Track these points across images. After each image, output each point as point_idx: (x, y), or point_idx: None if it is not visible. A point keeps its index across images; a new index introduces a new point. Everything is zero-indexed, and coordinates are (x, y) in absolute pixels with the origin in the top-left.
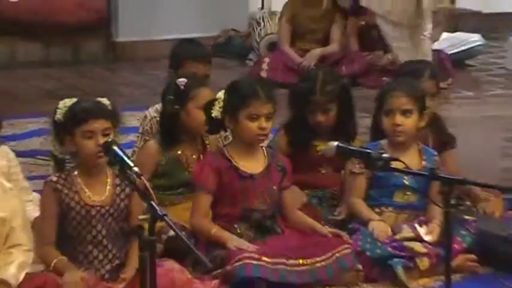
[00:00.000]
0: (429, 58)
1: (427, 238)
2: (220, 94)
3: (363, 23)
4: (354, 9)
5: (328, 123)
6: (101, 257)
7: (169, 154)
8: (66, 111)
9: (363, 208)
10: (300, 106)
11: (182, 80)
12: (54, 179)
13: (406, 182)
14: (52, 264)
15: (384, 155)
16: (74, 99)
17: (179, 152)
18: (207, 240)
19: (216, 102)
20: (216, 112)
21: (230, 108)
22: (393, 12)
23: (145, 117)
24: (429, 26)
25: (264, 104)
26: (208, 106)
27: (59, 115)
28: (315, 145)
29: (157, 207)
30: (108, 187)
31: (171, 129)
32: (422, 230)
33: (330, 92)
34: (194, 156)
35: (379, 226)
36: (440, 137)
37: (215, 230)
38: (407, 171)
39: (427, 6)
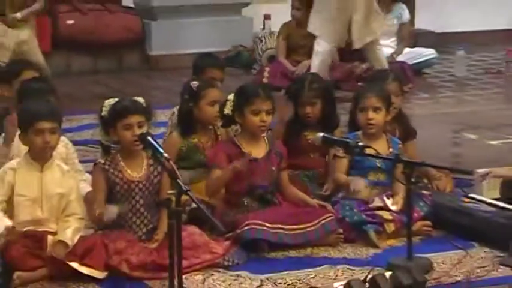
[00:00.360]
0: (385, 65)
1: (393, 208)
2: (231, 96)
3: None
4: None
5: (314, 116)
6: (138, 222)
7: (188, 142)
8: (110, 108)
9: (342, 177)
10: (293, 102)
11: (195, 83)
12: (102, 161)
13: (378, 165)
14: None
15: (360, 143)
16: (116, 99)
17: (196, 140)
18: (218, 185)
19: (228, 102)
20: (227, 110)
21: (238, 106)
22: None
23: (173, 113)
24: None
25: (264, 102)
26: (221, 105)
27: (104, 112)
28: (305, 135)
29: (182, 184)
30: (144, 167)
31: (187, 122)
32: (389, 202)
33: (315, 89)
34: (208, 143)
35: (357, 182)
36: (404, 130)
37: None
38: (377, 156)
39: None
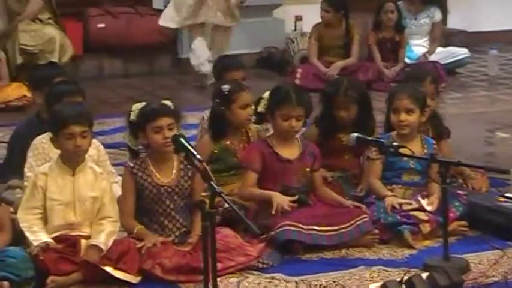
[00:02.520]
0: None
1: (428, 208)
2: (266, 94)
3: (381, 36)
4: (374, 24)
5: (349, 119)
6: (170, 226)
7: (220, 144)
8: (139, 112)
9: (380, 186)
10: (327, 105)
11: (226, 86)
12: (132, 164)
13: (412, 166)
14: (135, 231)
15: (394, 144)
16: (143, 103)
17: (228, 143)
18: (255, 201)
19: (262, 100)
20: (261, 108)
21: (270, 108)
22: None
23: (203, 118)
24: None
25: (295, 108)
26: (256, 103)
27: (132, 116)
28: (340, 137)
29: (215, 186)
30: (174, 171)
31: (219, 125)
32: (424, 202)
33: (350, 95)
34: (240, 146)
35: (393, 200)
36: (437, 130)
37: (260, 191)
38: (412, 156)
39: None
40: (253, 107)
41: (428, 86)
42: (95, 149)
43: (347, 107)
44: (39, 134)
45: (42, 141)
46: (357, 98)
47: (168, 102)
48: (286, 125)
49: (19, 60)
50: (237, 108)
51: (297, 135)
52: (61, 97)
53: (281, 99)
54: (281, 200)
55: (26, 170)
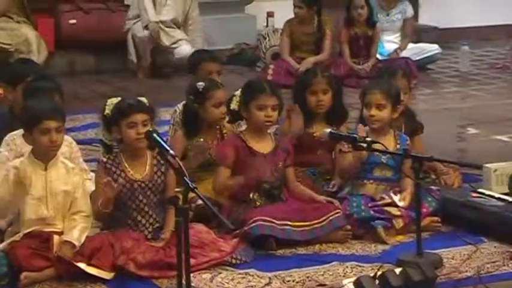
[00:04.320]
0: None
1: (401, 204)
2: (238, 92)
3: (353, 32)
4: (346, 21)
5: (326, 104)
6: (143, 221)
7: (194, 141)
8: (114, 107)
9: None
10: (302, 92)
11: (201, 84)
12: (105, 159)
13: (384, 161)
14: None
15: (367, 139)
16: (118, 98)
17: (201, 139)
18: (229, 192)
19: (234, 97)
20: (234, 105)
21: (244, 101)
22: None
23: (175, 111)
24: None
25: (270, 97)
26: (228, 101)
27: (107, 110)
28: (312, 132)
29: (189, 182)
30: (147, 167)
31: (192, 123)
32: (396, 198)
33: (327, 77)
34: (214, 143)
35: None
36: (411, 125)
37: (231, 181)
38: (385, 151)
39: None
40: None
41: (400, 81)
42: (68, 146)
43: (325, 90)
44: (11, 129)
45: (14, 138)
46: (331, 81)
47: (143, 99)
48: (262, 115)
49: None
50: (210, 106)
51: (270, 131)
52: (39, 93)
53: (256, 90)
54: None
55: None
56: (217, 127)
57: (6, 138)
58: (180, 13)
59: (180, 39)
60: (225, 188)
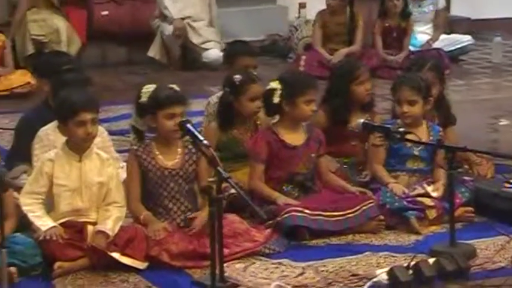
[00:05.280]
0: None
1: (434, 194)
2: (275, 84)
3: (387, 24)
4: (380, 12)
5: (369, 95)
6: (175, 209)
7: (228, 133)
8: (152, 96)
9: (383, 173)
10: (346, 83)
11: (238, 77)
12: (136, 147)
13: (416, 153)
14: (141, 218)
15: (400, 129)
16: (153, 85)
17: (235, 131)
18: (261, 198)
19: (275, 91)
20: (276, 99)
21: (289, 95)
22: None
23: (209, 102)
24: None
25: (316, 92)
26: (268, 94)
27: (143, 98)
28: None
29: (222, 171)
30: (178, 155)
31: (227, 115)
32: (430, 188)
33: (367, 67)
34: (248, 135)
35: (396, 187)
36: (444, 117)
37: (268, 190)
38: (418, 142)
39: None
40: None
41: (428, 73)
42: (99, 136)
43: (369, 79)
44: (47, 121)
45: (48, 132)
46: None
47: (175, 87)
48: (308, 110)
49: (30, 50)
50: (246, 100)
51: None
52: (68, 86)
53: (305, 85)
54: (286, 201)
55: (34, 163)
56: (252, 119)
57: (39, 133)
58: (202, 6)
59: (209, 41)
60: (260, 192)
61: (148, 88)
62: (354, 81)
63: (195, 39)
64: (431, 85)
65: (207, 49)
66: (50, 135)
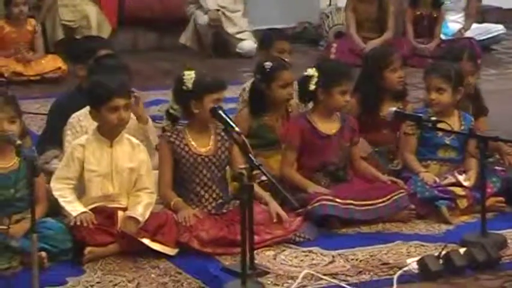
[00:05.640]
0: None
1: (465, 183)
2: (312, 71)
3: (418, 13)
4: (411, 1)
5: (402, 83)
6: (206, 196)
7: (259, 120)
8: (197, 81)
9: (414, 162)
10: (379, 70)
11: (268, 64)
12: (169, 133)
13: (447, 142)
14: (172, 203)
15: (432, 118)
16: (193, 71)
17: (266, 118)
18: (292, 185)
19: (311, 78)
20: (312, 86)
21: (325, 85)
22: None
23: (244, 89)
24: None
25: (351, 83)
26: (304, 81)
27: (188, 84)
28: (378, 112)
29: (253, 158)
30: (211, 142)
31: (258, 102)
32: (461, 177)
33: (400, 53)
34: (279, 122)
35: (427, 176)
36: (477, 107)
37: (299, 178)
38: (450, 131)
39: None
40: (295, 85)
41: (466, 64)
42: (133, 118)
43: (401, 69)
44: (79, 107)
45: (80, 119)
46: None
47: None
48: (343, 100)
49: (60, 35)
50: (277, 87)
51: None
52: (106, 72)
53: (341, 75)
54: (316, 189)
55: (65, 149)
56: (283, 106)
57: (70, 119)
58: None
59: (244, 31)
60: (288, 179)
61: (191, 74)
62: (387, 67)
63: (230, 29)
64: (470, 74)
65: (241, 39)
66: (81, 121)
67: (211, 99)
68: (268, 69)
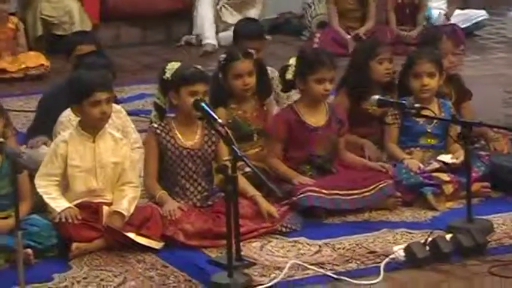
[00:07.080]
0: None
1: (453, 161)
2: (292, 60)
3: (400, 1)
4: None
5: (389, 75)
6: (192, 189)
7: (231, 113)
8: (177, 73)
9: (397, 150)
10: (366, 62)
11: (222, 56)
12: (155, 125)
13: (429, 130)
14: (157, 196)
15: (416, 105)
16: (178, 63)
17: (240, 112)
18: (278, 176)
19: (289, 67)
20: (289, 75)
21: (301, 73)
22: None
23: None
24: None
25: (329, 71)
26: (283, 70)
27: (168, 74)
28: (367, 107)
29: (237, 150)
30: (197, 135)
31: (218, 93)
32: (448, 156)
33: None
34: (254, 114)
35: (411, 162)
36: (460, 92)
37: (285, 168)
38: (434, 117)
39: None
40: (253, 76)
41: (447, 43)
42: (117, 117)
43: (390, 59)
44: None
45: (70, 118)
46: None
47: (199, 67)
48: (320, 89)
49: (39, 31)
50: (231, 78)
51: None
52: (90, 69)
53: (315, 63)
54: (302, 180)
55: None
56: (255, 97)
57: (60, 118)
58: None
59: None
60: (274, 169)
61: (173, 65)
62: (373, 58)
63: (230, 19)
64: (451, 53)
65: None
66: (73, 121)
67: (187, 91)
68: (222, 61)
